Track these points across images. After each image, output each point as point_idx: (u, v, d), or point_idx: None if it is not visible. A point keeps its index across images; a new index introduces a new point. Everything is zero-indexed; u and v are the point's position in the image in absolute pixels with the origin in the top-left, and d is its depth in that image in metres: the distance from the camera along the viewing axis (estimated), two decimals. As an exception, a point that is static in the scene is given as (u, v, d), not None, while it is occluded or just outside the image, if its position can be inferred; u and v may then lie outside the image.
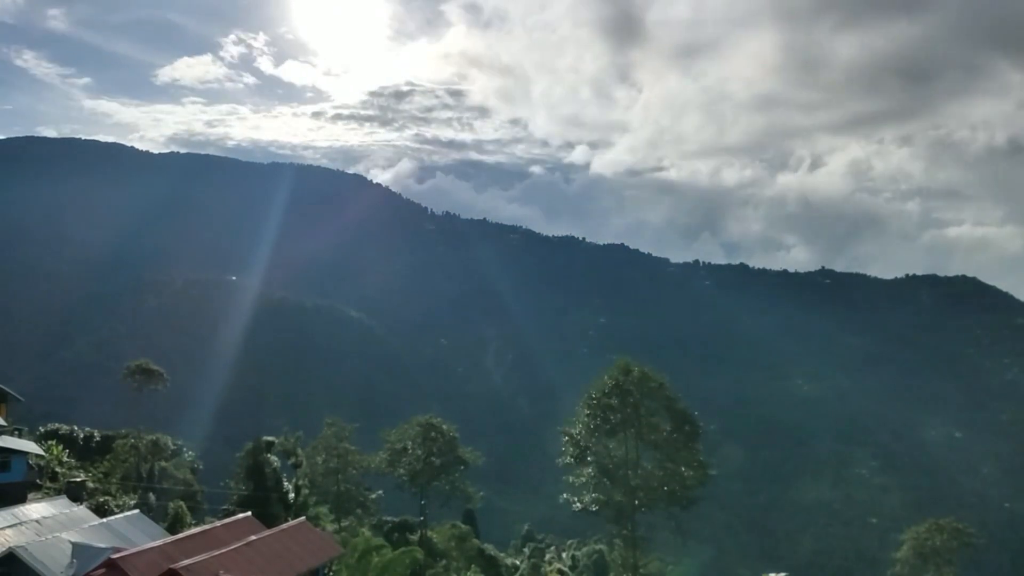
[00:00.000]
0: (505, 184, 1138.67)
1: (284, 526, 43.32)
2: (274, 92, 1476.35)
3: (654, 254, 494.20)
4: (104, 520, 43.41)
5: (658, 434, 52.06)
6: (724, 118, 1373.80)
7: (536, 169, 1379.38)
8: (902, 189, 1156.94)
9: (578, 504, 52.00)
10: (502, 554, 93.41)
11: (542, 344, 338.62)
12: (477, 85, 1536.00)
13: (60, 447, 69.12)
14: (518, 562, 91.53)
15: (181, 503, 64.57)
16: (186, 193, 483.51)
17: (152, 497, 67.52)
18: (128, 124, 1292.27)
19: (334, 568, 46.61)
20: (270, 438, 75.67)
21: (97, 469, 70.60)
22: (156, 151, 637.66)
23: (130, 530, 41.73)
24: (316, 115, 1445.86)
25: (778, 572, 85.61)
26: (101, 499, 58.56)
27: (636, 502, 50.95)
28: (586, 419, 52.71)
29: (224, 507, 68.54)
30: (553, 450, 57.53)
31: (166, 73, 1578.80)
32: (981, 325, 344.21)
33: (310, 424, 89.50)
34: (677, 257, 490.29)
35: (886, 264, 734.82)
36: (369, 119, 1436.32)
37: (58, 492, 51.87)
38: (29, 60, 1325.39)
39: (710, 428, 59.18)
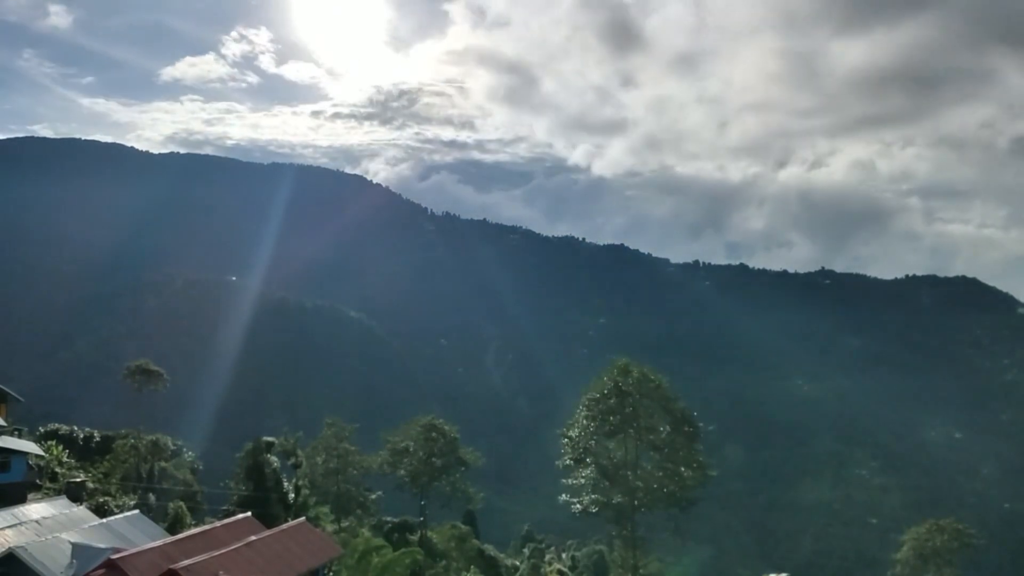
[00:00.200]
0: (505, 184, 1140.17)
1: (284, 526, 43.30)
2: (274, 91, 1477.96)
3: (654, 254, 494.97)
4: (104, 520, 43.38)
5: (657, 435, 52.00)
6: (725, 120, 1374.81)
7: (536, 169, 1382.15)
8: (902, 190, 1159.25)
9: (578, 505, 51.95)
10: (502, 555, 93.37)
11: (542, 344, 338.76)
12: (478, 85, 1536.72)
13: (60, 447, 69.06)
14: (518, 563, 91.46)
15: (181, 503, 64.54)
16: (186, 193, 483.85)
17: (152, 497, 67.51)
18: (127, 123, 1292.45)
19: (334, 568, 46.59)
20: (270, 438, 75.69)
21: (97, 469, 70.53)
22: (155, 151, 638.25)
23: (130, 530, 41.72)
24: (316, 114, 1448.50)
25: (778, 572, 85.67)
26: (101, 499, 58.51)
27: (636, 503, 50.90)
28: (585, 421, 52.65)
29: (224, 507, 68.52)
30: (553, 450, 57.54)
31: (166, 72, 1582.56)
32: (981, 325, 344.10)
33: (310, 424, 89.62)
34: (677, 257, 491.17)
35: (886, 264, 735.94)
36: (369, 118, 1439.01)
37: (58, 492, 51.85)
38: (29, 60, 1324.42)
39: (710, 428, 59.13)
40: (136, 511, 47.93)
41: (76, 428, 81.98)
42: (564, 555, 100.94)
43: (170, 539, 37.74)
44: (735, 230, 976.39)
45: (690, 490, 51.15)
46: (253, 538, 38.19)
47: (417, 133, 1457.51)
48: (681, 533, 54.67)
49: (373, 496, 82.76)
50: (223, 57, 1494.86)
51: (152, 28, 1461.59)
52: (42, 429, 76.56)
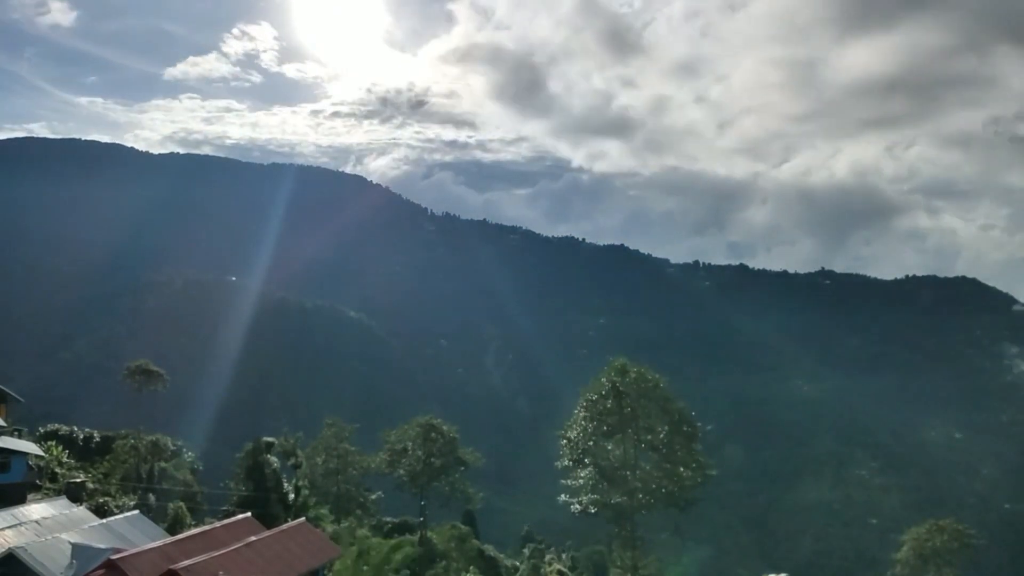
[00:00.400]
0: (506, 184, 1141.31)
1: (284, 527, 43.35)
2: (273, 89, 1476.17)
3: (654, 255, 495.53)
4: (104, 521, 43.42)
5: (656, 435, 52.00)
6: (725, 122, 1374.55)
7: (536, 169, 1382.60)
8: (903, 190, 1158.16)
9: (577, 506, 51.97)
10: (502, 555, 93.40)
11: (542, 344, 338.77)
12: (479, 84, 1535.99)
13: (60, 448, 69.05)
14: (518, 563, 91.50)
15: (181, 504, 64.55)
16: (186, 193, 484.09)
17: (152, 498, 67.50)
18: (125, 123, 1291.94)
19: (333, 568, 46.61)
20: (270, 439, 75.73)
21: (97, 470, 70.51)
22: (154, 151, 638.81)
23: (130, 531, 41.76)
24: (315, 113, 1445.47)
25: (778, 572, 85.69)
26: (101, 500, 58.53)
27: (635, 503, 50.90)
28: (583, 422, 52.66)
29: (224, 508, 68.55)
30: (553, 451, 57.54)
31: (165, 71, 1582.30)
32: (981, 325, 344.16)
33: (310, 424, 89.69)
34: (677, 258, 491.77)
35: (886, 265, 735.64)
36: (369, 116, 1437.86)
37: (58, 493, 51.89)
38: (29, 59, 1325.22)
39: (709, 428, 59.15)
40: (136, 511, 47.97)
41: (76, 428, 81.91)
42: (564, 555, 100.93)
43: (170, 539, 37.79)
44: (735, 230, 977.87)
45: (689, 490, 51.15)
46: (253, 538, 38.24)
47: (418, 132, 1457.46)
48: (680, 533, 54.75)
49: (373, 496, 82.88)
50: (224, 56, 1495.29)
51: (151, 25, 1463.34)
52: (42, 429, 76.52)
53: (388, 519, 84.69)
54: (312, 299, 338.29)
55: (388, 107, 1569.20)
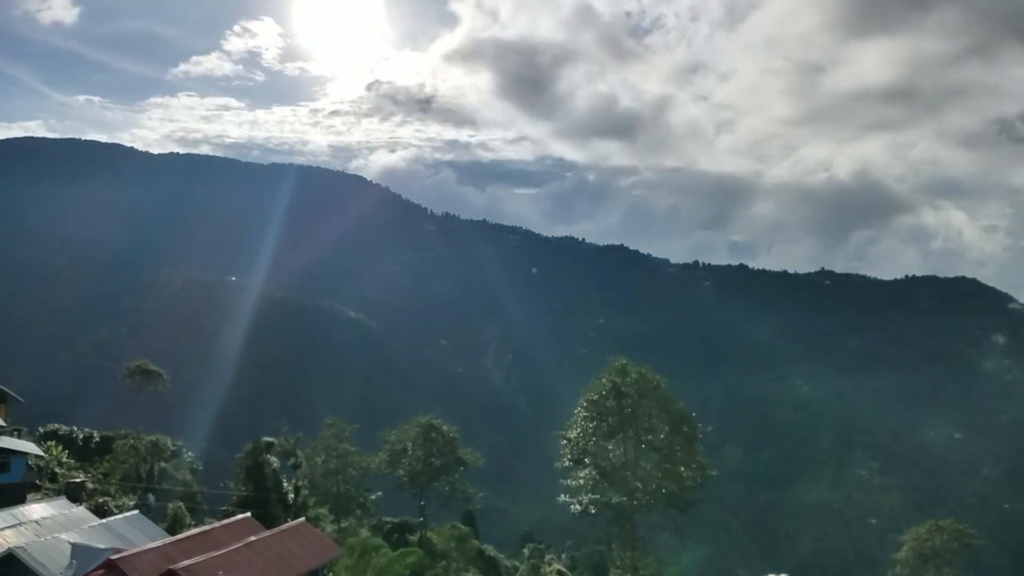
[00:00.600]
0: (506, 184, 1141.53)
1: (283, 527, 43.37)
2: (273, 87, 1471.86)
3: (654, 255, 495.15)
4: (103, 521, 43.44)
5: (656, 435, 51.97)
6: (726, 122, 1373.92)
7: (536, 169, 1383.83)
8: (903, 190, 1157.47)
9: (577, 506, 51.88)
10: (502, 555, 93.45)
11: (542, 344, 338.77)
12: (480, 83, 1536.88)
13: (59, 448, 69.10)
14: (518, 563, 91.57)
15: (181, 504, 64.60)
16: (186, 193, 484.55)
17: (151, 498, 67.51)
18: (124, 121, 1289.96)
19: (334, 569, 46.62)
20: (270, 439, 75.80)
21: (97, 470, 70.54)
22: (154, 150, 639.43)
23: (129, 531, 41.77)
24: (315, 111, 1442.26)
25: (778, 573, 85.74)
26: (100, 500, 58.57)
27: (635, 503, 50.86)
28: (583, 422, 52.62)
29: (224, 508, 68.57)
30: (553, 451, 57.50)
31: (165, 69, 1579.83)
32: (981, 325, 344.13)
33: (310, 424, 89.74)
34: (677, 258, 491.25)
35: (886, 265, 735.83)
36: (368, 115, 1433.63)
37: (57, 493, 51.91)
38: (29, 58, 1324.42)
39: (709, 429, 58.94)
40: (136, 511, 48.01)
41: (76, 428, 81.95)
42: (564, 555, 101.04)
43: (170, 539, 37.82)
44: (735, 230, 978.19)
45: (689, 490, 51.08)
46: (253, 538, 38.26)
47: (418, 131, 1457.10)
48: (680, 533, 54.74)
49: (373, 496, 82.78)
50: (225, 53, 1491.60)
51: (150, 23, 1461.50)
52: (42, 429, 76.55)
53: (388, 519, 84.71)
54: (312, 299, 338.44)
55: (389, 106, 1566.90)
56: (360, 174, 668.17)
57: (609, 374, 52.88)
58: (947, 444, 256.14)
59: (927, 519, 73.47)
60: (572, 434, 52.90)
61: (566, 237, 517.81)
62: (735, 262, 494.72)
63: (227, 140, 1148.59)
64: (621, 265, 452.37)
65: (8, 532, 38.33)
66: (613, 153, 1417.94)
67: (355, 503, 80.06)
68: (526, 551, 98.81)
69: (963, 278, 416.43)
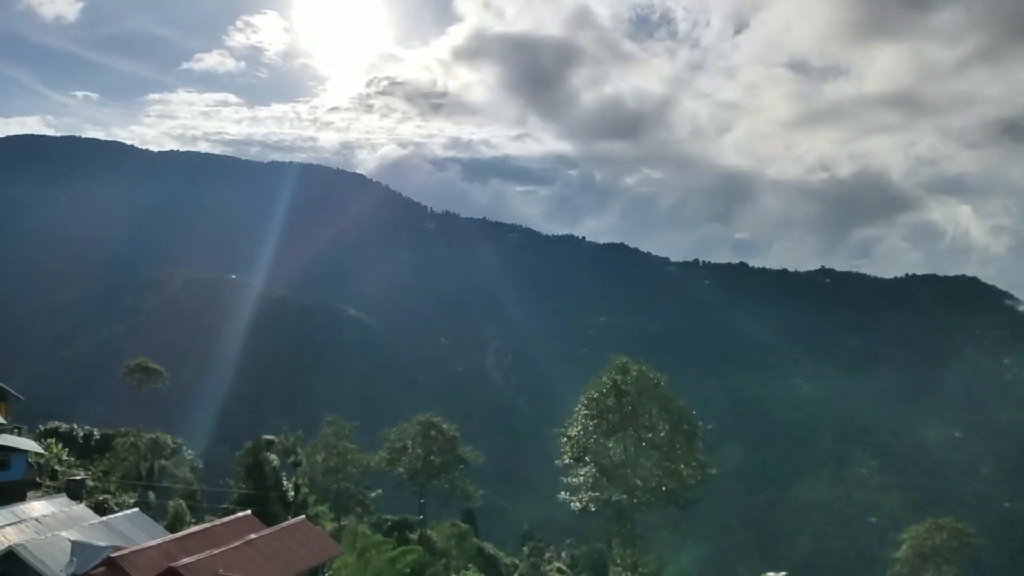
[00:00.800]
0: (506, 182, 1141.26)
1: (283, 525, 43.41)
2: (272, 83, 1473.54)
3: (654, 253, 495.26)
4: (104, 518, 43.45)
5: (656, 433, 51.98)
6: (726, 122, 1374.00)
7: (537, 167, 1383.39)
8: (903, 189, 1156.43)
9: (577, 504, 51.90)
10: (501, 553, 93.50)
11: (542, 343, 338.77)
12: (481, 81, 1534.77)
13: (60, 445, 69.07)
14: (517, 561, 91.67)
15: (181, 502, 64.58)
16: (186, 192, 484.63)
17: (152, 496, 67.54)
18: (123, 119, 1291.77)
19: (334, 567, 46.65)
20: (270, 437, 75.75)
21: (97, 467, 70.57)
22: (154, 148, 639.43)
23: (130, 528, 41.78)
24: (315, 108, 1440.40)
25: (777, 572, 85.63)
26: (101, 497, 58.60)
27: (635, 501, 50.88)
28: (584, 419, 52.62)
29: (224, 506, 68.57)
30: (552, 450, 57.51)
31: (164, 68, 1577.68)
32: (981, 325, 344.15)
33: (310, 423, 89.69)
34: (677, 256, 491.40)
35: (886, 263, 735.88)
36: (369, 111, 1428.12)
37: (58, 490, 51.90)
38: (29, 57, 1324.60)
39: (709, 427, 58.80)
40: (136, 509, 48.01)
41: (76, 426, 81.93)
42: (563, 553, 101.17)
43: (170, 537, 37.84)
44: (735, 229, 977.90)
45: (689, 488, 51.09)
46: (253, 536, 38.30)
47: (419, 128, 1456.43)
48: (680, 531, 54.69)
49: (373, 494, 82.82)
50: (227, 50, 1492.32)
51: (150, 22, 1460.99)
52: (42, 427, 76.52)
53: (388, 517, 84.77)
54: (312, 297, 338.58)
55: (389, 103, 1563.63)
56: (360, 172, 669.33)
57: (609, 372, 52.88)
58: (947, 443, 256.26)
59: (927, 518, 73.63)
60: (572, 432, 52.91)
61: (566, 235, 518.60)
62: (735, 260, 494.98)
63: (226, 137, 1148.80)
64: (621, 263, 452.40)
65: (8, 530, 38.35)
66: (614, 151, 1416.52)
67: (355, 501, 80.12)
68: (526, 549, 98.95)
69: (963, 277, 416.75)
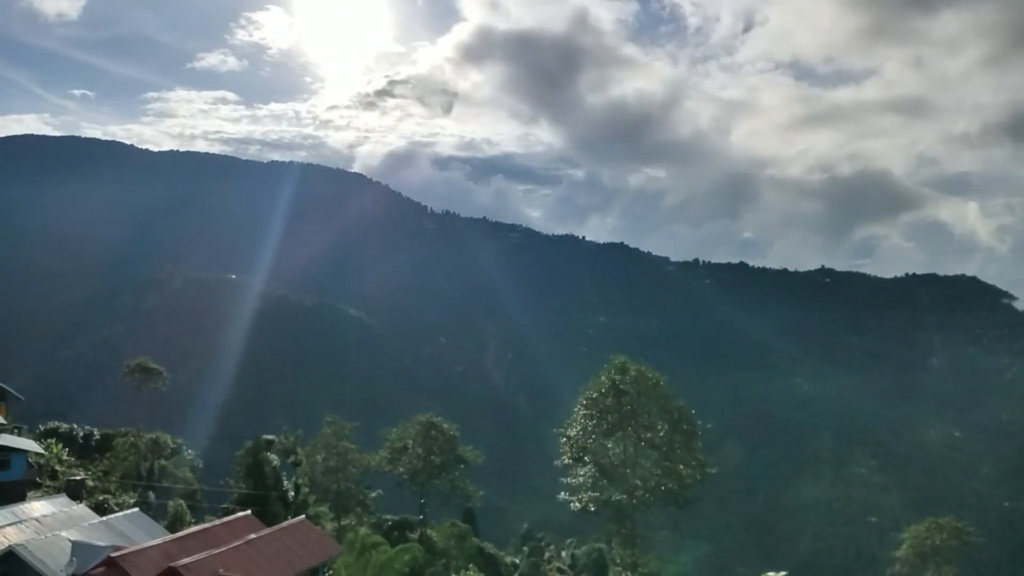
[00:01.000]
0: (506, 182, 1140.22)
1: (283, 525, 43.42)
2: (271, 82, 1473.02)
3: (654, 253, 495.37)
4: (104, 518, 43.47)
5: (655, 433, 51.99)
6: (727, 121, 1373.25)
7: (537, 167, 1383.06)
8: (903, 188, 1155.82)
9: (576, 503, 51.90)
10: (501, 553, 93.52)
11: (542, 343, 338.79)
12: (481, 81, 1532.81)
13: (60, 445, 69.12)
14: (517, 561, 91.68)
15: (181, 501, 64.64)
16: (186, 191, 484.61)
17: (152, 496, 67.58)
18: (123, 118, 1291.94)
19: (334, 566, 46.68)
20: (270, 436, 75.81)
21: (97, 467, 70.64)
22: (154, 148, 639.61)
23: (130, 528, 41.81)
24: (314, 106, 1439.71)
25: (777, 571, 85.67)
26: (101, 497, 58.66)
27: (634, 501, 50.90)
28: (583, 419, 52.63)
29: (224, 505, 68.64)
30: (552, 449, 57.54)
31: (164, 67, 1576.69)
32: (981, 325, 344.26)
33: (310, 423, 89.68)
34: (677, 256, 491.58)
35: (886, 263, 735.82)
36: (369, 110, 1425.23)
37: (58, 490, 51.94)
38: (29, 57, 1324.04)
39: (709, 427, 58.78)
40: (136, 509, 48.02)
41: (76, 426, 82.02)
42: (563, 553, 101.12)
43: (170, 537, 37.86)
44: (736, 228, 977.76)
45: (689, 488, 51.07)
46: (253, 536, 38.30)
47: (420, 126, 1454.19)
48: (680, 531, 54.69)
49: (373, 494, 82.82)
50: (228, 48, 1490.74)
51: (150, 20, 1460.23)
52: (42, 427, 76.60)
53: (388, 517, 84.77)
54: (312, 297, 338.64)
55: (390, 101, 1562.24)
56: (360, 171, 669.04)
57: (609, 372, 52.87)
58: (947, 442, 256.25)
59: (927, 517, 73.56)
60: (572, 432, 52.90)
61: (566, 235, 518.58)
62: (735, 260, 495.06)
63: (224, 135, 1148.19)
64: (621, 263, 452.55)
65: (8, 530, 38.38)
66: (614, 150, 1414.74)
67: (355, 501, 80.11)
68: (526, 549, 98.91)
69: (963, 276, 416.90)
